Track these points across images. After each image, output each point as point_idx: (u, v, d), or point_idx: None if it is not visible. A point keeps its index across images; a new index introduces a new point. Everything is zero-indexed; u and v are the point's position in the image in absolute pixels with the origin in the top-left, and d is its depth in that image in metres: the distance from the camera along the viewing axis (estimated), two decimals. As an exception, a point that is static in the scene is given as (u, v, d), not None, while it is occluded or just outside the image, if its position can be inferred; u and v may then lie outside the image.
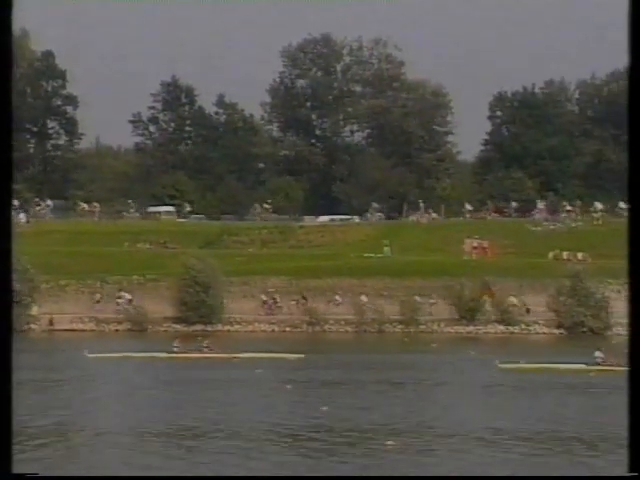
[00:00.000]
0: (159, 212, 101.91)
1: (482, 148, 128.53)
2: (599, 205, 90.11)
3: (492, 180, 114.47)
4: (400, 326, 65.88)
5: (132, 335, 64.00)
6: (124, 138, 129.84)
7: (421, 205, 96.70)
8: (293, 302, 68.77)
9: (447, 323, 66.22)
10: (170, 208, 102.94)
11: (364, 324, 66.01)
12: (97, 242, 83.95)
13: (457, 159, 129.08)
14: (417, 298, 66.50)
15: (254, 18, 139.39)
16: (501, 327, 64.98)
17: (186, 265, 67.54)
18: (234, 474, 23.46)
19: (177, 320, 66.56)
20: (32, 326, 64.93)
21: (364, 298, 67.11)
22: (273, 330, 66.03)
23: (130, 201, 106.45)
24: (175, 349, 50.87)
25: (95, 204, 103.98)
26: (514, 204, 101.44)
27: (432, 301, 66.64)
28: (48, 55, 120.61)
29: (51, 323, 65.52)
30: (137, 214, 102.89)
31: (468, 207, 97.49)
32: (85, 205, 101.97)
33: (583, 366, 45.09)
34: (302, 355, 49.63)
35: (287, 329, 66.26)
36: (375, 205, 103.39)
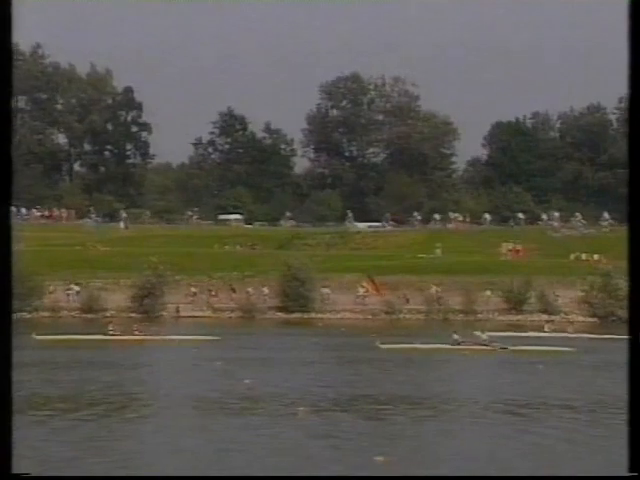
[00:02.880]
0: (228, 219, 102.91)
1: (467, 167, 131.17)
2: (606, 215, 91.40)
3: (497, 194, 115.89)
4: (461, 315, 67.02)
5: (243, 321, 64.97)
6: (182, 157, 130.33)
7: (451, 215, 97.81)
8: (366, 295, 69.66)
9: (499, 313, 67.43)
10: (238, 216, 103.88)
11: (432, 313, 67.10)
12: (192, 244, 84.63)
13: (462, 176, 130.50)
14: (475, 292, 67.60)
15: (296, 58, 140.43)
16: (544, 316, 66.13)
17: (287, 263, 68.51)
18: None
19: (279, 309, 67.46)
20: (163, 313, 65.75)
21: (433, 291, 68.16)
22: (357, 318, 67.00)
23: (194, 210, 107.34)
24: (110, 332, 48.40)
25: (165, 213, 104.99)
26: (520, 214, 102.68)
27: (488, 294, 67.77)
28: (128, 90, 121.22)
29: (177, 311, 66.28)
30: (210, 221, 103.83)
31: (487, 217, 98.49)
32: (190, 214, 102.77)
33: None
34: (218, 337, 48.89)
35: (369, 317, 67.24)
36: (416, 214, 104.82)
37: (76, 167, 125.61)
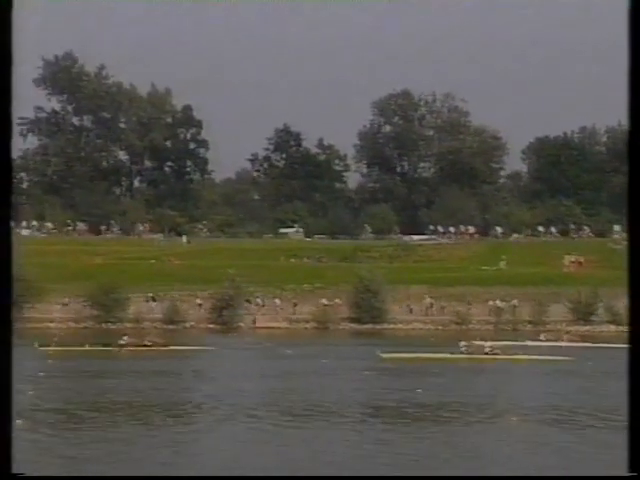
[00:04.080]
0: (288, 233, 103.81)
1: (505, 181, 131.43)
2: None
3: (548, 207, 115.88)
4: (529, 325, 67.30)
5: (318, 332, 65.53)
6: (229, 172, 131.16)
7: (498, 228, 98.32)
8: (434, 306, 70.15)
9: (567, 323, 67.62)
10: (298, 229, 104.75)
11: (501, 324, 67.43)
12: (257, 257, 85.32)
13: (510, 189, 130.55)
14: (541, 303, 67.87)
15: (348, 77, 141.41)
16: (612, 327, 66.23)
17: (359, 275, 69.12)
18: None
19: (352, 320, 68.06)
20: (240, 324, 66.55)
21: (499, 303, 68.52)
22: (428, 329, 67.42)
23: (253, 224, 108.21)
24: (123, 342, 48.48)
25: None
26: (572, 226, 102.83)
27: (555, 305, 68.04)
28: (187, 108, 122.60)
29: (254, 322, 67.06)
30: (270, 235, 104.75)
31: (541, 229, 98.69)
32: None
33: None
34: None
35: (439, 327, 67.66)
36: (463, 227, 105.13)
37: (136, 183, 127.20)
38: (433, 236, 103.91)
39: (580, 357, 46.67)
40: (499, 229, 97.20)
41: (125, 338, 48.85)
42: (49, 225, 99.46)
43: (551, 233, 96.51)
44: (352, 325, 67.44)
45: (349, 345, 55.61)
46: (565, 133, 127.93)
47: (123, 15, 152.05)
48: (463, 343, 46.70)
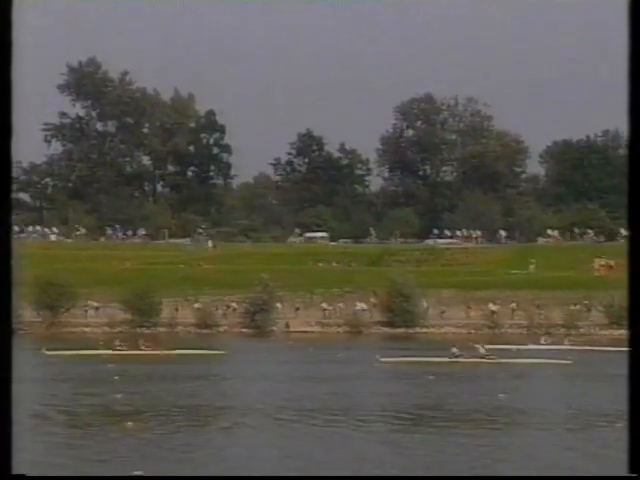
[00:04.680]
0: (314, 237, 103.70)
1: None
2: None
3: (573, 210, 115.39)
4: (563, 329, 66.88)
5: (352, 336, 65.33)
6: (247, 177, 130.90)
7: (549, 232, 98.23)
8: (465, 310, 69.85)
9: (601, 327, 67.23)
10: (324, 234, 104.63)
11: (534, 327, 67.07)
12: (284, 261, 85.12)
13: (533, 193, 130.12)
14: (572, 307, 67.49)
15: (372, 79, 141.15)
16: (646, 330, 65.63)
17: (392, 279, 68.88)
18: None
19: (385, 324, 67.81)
20: (273, 328, 66.43)
21: (532, 306, 68.14)
22: (461, 333, 67.06)
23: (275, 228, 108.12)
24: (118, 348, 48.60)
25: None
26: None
27: (588, 309, 67.61)
28: (210, 113, 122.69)
29: (287, 326, 66.91)
30: (296, 239, 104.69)
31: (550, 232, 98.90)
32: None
33: None
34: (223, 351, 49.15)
35: (472, 331, 67.29)
36: (478, 232, 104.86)
37: (159, 188, 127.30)
38: (453, 240, 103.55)
39: (579, 361, 46.60)
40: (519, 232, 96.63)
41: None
42: (78, 230, 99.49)
43: (581, 236, 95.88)
44: (385, 329, 67.18)
45: (387, 349, 55.45)
46: (588, 136, 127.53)
47: (145, 20, 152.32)
48: (454, 348, 46.73)
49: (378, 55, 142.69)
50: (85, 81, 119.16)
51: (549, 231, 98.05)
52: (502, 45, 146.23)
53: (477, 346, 47.71)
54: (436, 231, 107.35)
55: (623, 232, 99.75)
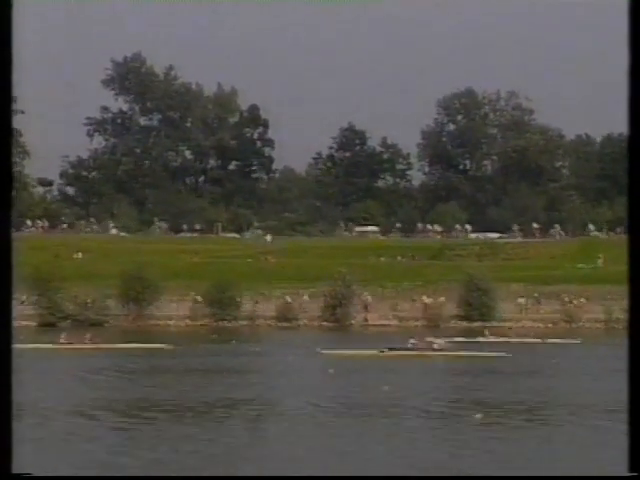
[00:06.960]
0: (365, 231, 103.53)
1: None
2: None
3: (618, 205, 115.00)
4: (640, 323, 66.58)
5: (430, 330, 65.02)
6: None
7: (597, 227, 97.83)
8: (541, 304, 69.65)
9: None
10: (375, 228, 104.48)
11: (611, 322, 66.88)
12: (345, 255, 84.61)
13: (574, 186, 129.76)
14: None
15: (413, 77, 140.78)
16: None
17: (469, 274, 68.79)
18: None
19: (462, 318, 67.68)
20: (352, 321, 66.31)
21: (610, 302, 67.89)
22: (538, 326, 66.84)
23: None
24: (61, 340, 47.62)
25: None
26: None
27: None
28: (253, 108, 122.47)
29: (366, 319, 66.80)
30: (346, 233, 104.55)
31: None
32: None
33: None
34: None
35: (549, 325, 67.16)
36: (535, 225, 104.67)
37: (201, 182, 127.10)
38: (504, 234, 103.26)
39: (520, 353, 46.97)
40: (592, 227, 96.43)
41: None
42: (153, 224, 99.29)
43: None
44: (462, 323, 67.03)
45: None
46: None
47: (189, 16, 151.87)
48: (412, 340, 46.72)
49: (421, 50, 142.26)
50: (130, 76, 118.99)
51: (594, 226, 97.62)
52: (547, 39, 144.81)
53: (430, 339, 47.52)
54: (511, 226, 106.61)
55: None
